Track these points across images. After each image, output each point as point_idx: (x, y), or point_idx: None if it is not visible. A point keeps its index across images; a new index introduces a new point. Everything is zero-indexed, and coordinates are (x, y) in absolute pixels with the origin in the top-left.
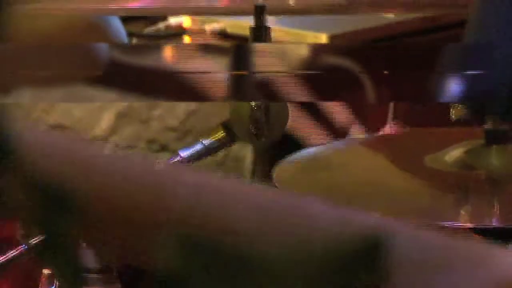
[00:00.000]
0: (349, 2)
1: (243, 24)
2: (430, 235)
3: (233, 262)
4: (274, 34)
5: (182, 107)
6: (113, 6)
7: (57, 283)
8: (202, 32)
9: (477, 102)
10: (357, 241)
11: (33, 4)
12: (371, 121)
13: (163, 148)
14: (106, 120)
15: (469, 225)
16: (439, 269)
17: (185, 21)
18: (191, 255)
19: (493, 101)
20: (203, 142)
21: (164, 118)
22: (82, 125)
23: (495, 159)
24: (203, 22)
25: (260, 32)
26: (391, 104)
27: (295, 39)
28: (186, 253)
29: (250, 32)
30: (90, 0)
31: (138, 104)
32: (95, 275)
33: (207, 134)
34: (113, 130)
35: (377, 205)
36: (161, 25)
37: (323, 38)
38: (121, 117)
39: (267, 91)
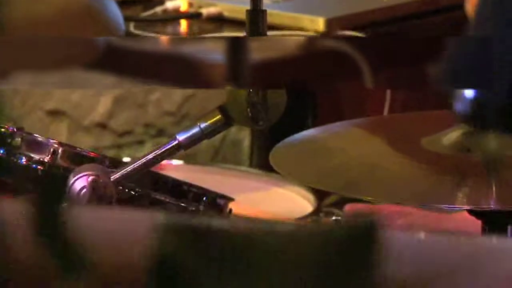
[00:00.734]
0: None
1: (240, 8)
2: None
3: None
4: (270, 18)
5: (178, 92)
6: None
7: None
8: (199, 15)
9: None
10: (352, 228)
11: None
12: (368, 110)
13: (160, 132)
14: (103, 105)
15: (466, 207)
16: (441, 271)
17: (182, 5)
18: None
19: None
20: (200, 126)
21: (161, 102)
22: (80, 110)
23: (492, 141)
24: (200, 6)
25: (257, 16)
26: (388, 93)
27: (292, 23)
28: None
29: (246, 15)
30: None
31: (135, 89)
32: None
33: (204, 118)
34: (111, 115)
35: (374, 188)
36: (158, 9)
37: (320, 22)
38: (118, 102)
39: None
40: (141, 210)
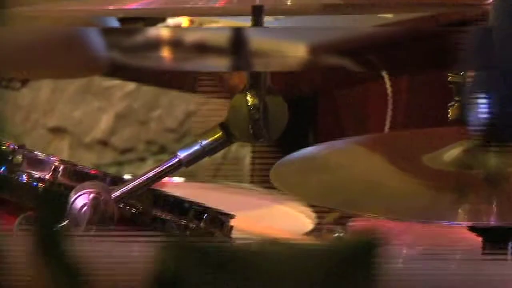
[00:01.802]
0: (346, 2)
1: (241, 25)
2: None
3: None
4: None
5: (180, 109)
6: (111, 7)
7: None
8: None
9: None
10: (353, 243)
11: (30, 6)
12: (369, 127)
13: (162, 149)
14: (105, 122)
15: (467, 223)
16: None
17: (183, 22)
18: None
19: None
20: (201, 143)
21: (163, 119)
22: (81, 127)
23: (493, 158)
24: (201, 23)
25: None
26: (390, 106)
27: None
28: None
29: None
30: (88, 2)
31: (137, 105)
32: None
33: (205, 135)
34: (112, 132)
35: (375, 204)
36: (159, 26)
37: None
38: (120, 119)
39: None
40: (140, 232)
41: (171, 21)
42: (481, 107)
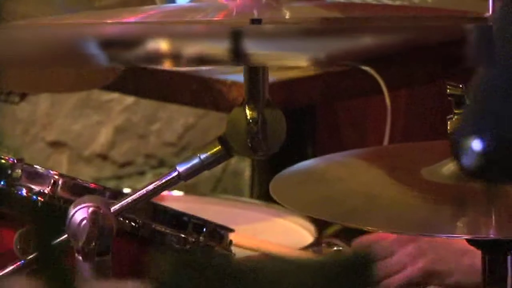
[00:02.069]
0: (345, 15)
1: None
2: None
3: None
4: None
5: (179, 122)
6: (109, 20)
7: None
8: None
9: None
10: (350, 258)
11: (26, 19)
12: (368, 140)
13: (161, 162)
14: (104, 136)
15: (466, 236)
16: None
17: None
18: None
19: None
20: (200, 156)
21: (162, 133)
22: (80, 141)
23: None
24: None
25: None
26: (389, 119)
27: None
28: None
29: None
30: (84, 15)
31: (136, 119)
32: None
33: (204, 149)
34: (111, 145)
35: (374, 217)
36: None
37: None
38: (119, 132)
39: None
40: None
41: None
42: (472, 148)
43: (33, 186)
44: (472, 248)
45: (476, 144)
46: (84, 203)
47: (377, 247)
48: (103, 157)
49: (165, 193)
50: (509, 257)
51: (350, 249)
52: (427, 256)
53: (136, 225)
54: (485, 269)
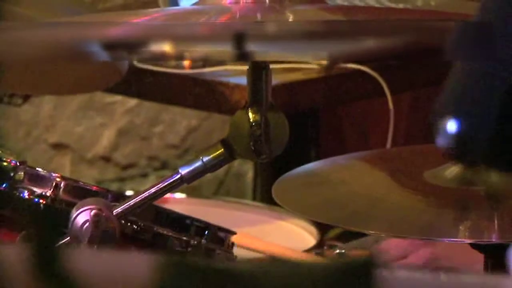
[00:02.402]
0: (348, 18)
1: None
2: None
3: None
4: None
5: (182, 125)
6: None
7: None
8: None
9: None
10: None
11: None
12: (370, 143)
13: (164, 165)
14: (107, 138)
15: (468, 240)
16: None
17: None
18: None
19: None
20: (203, 159)
21: (165, 135)
22: (83, 143)
23: (494, 174)
24: None
25: None
26: (391, 122)
27: None
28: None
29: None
30: (87, 16)
31: (139, 121)
32: None
33: (207, 152)
34: (114, 147)
35: (377, 221)
36: None
37: None
38: (122, 135)
39: None
40: (139, 251)
41: None
42: (448, 130)
43: (35, 189)
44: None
45: (452, 126)
46: (87, 205)
47: (389, 249)
48: (106, 159)
49: (167, 195)
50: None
51: (352, 254)
52: (440, 260)
53: (138, 228)
54: (487, 273)
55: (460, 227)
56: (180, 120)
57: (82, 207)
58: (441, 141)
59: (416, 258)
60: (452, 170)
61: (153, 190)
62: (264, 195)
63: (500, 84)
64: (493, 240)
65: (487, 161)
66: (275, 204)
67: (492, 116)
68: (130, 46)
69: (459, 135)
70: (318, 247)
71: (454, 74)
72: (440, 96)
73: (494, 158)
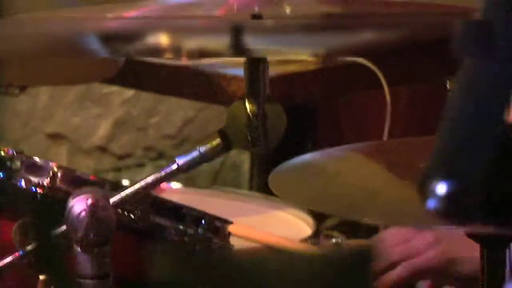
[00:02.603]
0: (345, 10)
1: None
2: None
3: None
4: None
5: (179, 115)
6: (110, 14)
7: None
8: None
9: None
10: (350, 254)
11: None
12: (367, 134)
13: (160, 155)
14: (103, 129)
15: (464, 229)
16: None
17: None
18: (185, 266)
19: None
20: (199, 149)
21: (162, 126)
22: (80, 133)
23: None
24: None
25: None
26: (388, 114)
27: None
28: (180, 264)
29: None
30: (86, 9)
31: (135, 112)
32: (90, 281)
33: (203, 142)
34: (111, 138)
35: (373, 211)
36: None
37: None
38: (119, 125)
39: None
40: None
41: None
42: (439, 192)
43: (32, 178)
44: None
45: (443, 188)
46: (83, 194)
47: (391, 235)
48: (103, 149)
49: (164, 185)
50: (507, 251)
51: (354, 243)
52: (444, 243)
53: (135, 217)
54: (483, 263)
55: None
56: (177, 111)
57: (79, 196)
58: (432, 204)
59: (421, 240)
60: None
61: (150, 179)
62: (261, 186)
63: (492, 141)
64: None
65: (482, 220)
66: (271, 194)
67: (485, 175)
68: (127, 39)
69: (451, 197)
70: (315, 236)
71: (442, 133)
72: (430, 158)
73: (490, 215)
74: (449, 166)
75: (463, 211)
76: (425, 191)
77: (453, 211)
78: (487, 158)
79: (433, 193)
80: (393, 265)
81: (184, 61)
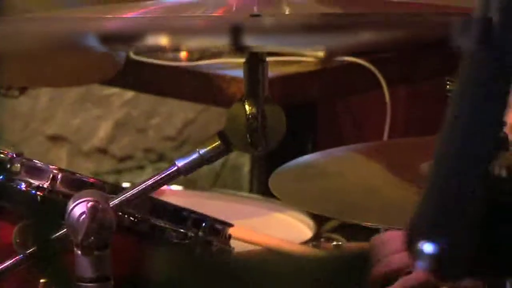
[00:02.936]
0: (345, 10)
1: None
2: None
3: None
4: None
5: (179, 117)
6: (109, 15)
7: None
8: None
9: None
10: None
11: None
12: (367, 135)
13: (161, 157)
14: (103, 130)
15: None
16: None
17: None
18: (185, 266)
19: None
20: (199, 152)
21: (161, 127)
22: (80, 135)
23: None
24: None
25: None
26: (388, 115)
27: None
28: (180, 264)
29: None
30: (85, 10)
31: (135, 113)
32: (90, 284)
33: (203, 144)
34: (111, 140)
35: (373, 213)
36: None
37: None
38: (119, 127)
39: None
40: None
41: None
42: (426, 251)
43: (32, 181)
44: None
45: (429, 248)
46: (83, 197)
47: (394, 237)
48: (103, 151)
49: (164, 187)
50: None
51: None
52: None
53: (135, 220)
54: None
55: None
56: (177, 112)
57: (79, 199)
58: (420, 264)
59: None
60: None
61: (150, 182)
62: (261, 187)
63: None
64: None
65: (473, 274)
66: (271, 196)
67: (471, 231)
68: (128, 39)
69: (438, 256)
70: (315, 239)
71: (425, 193)
72: (413, 218)
73: (479, 269)
74: (434, 225)
75: (453, 269)
76: (412, 251)
77: (443, 269)
78: (474, 214)
79: (421, 253)
80: (391, 273)
81: (184, 62)
